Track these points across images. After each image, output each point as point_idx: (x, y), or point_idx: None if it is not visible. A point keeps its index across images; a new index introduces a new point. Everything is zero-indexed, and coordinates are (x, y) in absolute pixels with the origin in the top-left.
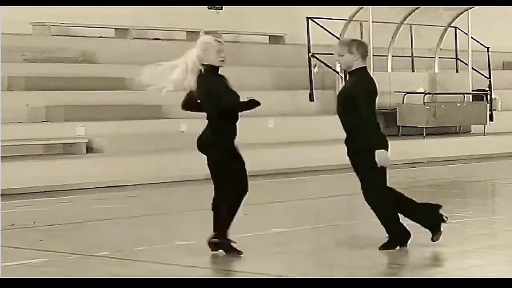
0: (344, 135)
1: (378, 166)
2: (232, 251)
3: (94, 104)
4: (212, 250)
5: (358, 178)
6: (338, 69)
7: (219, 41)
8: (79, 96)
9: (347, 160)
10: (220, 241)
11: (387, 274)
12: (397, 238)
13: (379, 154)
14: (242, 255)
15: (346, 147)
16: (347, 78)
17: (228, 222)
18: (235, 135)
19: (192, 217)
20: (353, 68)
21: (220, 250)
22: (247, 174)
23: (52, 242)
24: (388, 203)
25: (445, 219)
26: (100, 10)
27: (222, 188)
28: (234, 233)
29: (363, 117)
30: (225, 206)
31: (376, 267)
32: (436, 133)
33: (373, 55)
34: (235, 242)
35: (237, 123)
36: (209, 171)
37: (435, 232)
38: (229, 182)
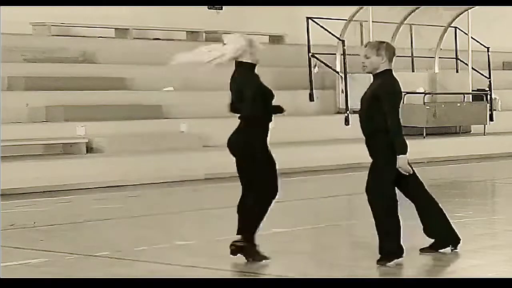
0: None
1: (401, 170)
2: (258, 256)
3: (94, 104)
4: (232, 254)
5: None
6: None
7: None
8: (79, 96)
9: (347, 160)
10: (245, 245)
11: (387, 274)
12: (388, 251)
13: (401, 159)
14: (269, 260)
15: (368, 149)
16: (372, 80)
17: (256, 225)
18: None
19: (192, 217)
20: (378, 71)
21: (239, 255)
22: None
23: (52, 242)
24: (386, 210)
25: (452, 249)
26: (100, 10)
27: (251, 189)
28: (234, 233)
29: (385, 118)
30: (255, 209)
31: (376, 267)
32: (436, 133)
33: None
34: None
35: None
36: (237, 172)
37: (431, 249)
38: (259, 183)
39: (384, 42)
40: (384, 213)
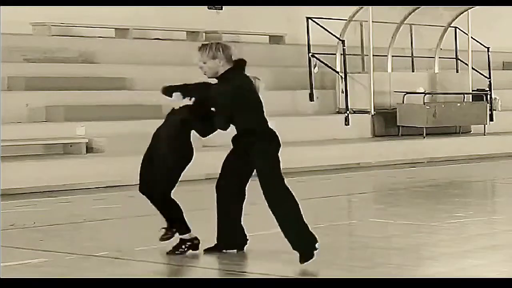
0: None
1: None
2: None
3: (94, 104)
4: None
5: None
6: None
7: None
8: (79, 96)
9: (347, 160)
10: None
11: (387, 274)
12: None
13: None
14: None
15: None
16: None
17: None
18: None
19: (192, 217)
20: (219, 74)
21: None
22: None
23: (52, 242)
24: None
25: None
26: (100, 10)
27: None
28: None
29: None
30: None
31: (376, 267)
32: (436, 133)
33: (373, 55)
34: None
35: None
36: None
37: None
38: None
39: (217, 43)
40: None
